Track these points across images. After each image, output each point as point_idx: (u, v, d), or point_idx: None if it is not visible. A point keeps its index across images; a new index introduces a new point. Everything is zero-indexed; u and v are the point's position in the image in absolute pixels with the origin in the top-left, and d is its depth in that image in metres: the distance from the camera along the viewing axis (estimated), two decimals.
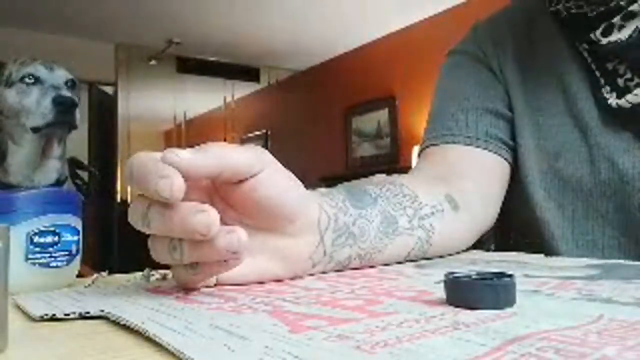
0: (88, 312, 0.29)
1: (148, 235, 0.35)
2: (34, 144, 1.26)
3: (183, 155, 0.31)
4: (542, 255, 0.49)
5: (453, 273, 0.28)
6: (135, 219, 0.34)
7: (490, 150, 0.64)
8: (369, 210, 0.46)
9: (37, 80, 1.26)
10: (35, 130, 1.25)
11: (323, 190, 0.45)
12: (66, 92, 1.26)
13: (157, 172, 0.30)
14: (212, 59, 5.34)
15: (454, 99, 0.69)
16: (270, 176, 0.36)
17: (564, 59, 0.64)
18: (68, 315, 0.29)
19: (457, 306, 0.26)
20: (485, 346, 0.19)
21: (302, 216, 0.39)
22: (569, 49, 0.63)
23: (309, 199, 0.41)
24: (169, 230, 0.32)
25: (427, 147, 0.68)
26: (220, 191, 0.37)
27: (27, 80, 1.25)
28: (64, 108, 1.23)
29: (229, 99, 6.10)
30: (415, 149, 3.87)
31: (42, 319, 0.29)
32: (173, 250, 0.33)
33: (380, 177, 0.54)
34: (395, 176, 0.57)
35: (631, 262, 0.43)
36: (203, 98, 6.08)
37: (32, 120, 1.24)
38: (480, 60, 0.70)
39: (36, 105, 1.24)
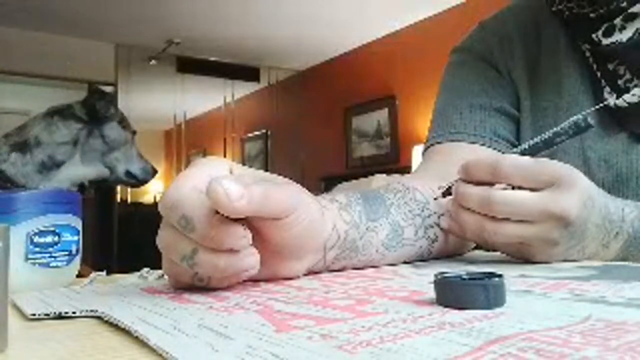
0: (81, 311, 0.29)
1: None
2: (95, 168, 1.48)
3: (232, 196, 0.30)
4: None
5: (443, 273, 0.28)
6: (174, 256, 0.34)
7: (496, 149, 0.64)
8: (381, 221, 0.46)
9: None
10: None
11: (342, 200, 0.45)
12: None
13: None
14: (212, 59, 5.33)
15: (460, 97, 0.69)
16: (300, 219, 0.36)
17: (567, 59, 0.63)
18: (61, 314, 0.29)
19: (446, 306, 0.26)
20: (467, 346, 0.19)
21: (313, 244, 0.39)
22: (572, 49, 0.63)
23: (326, 222, 0.40)
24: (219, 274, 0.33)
25: (433, 145, 0.68)
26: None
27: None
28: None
29: (229, 99, 6.08)
30: (416, 149, 3.86)
31: (37, 318, 0.29)
32: (186, 259, 0.33)
33: (392, 178, 0.54)
34: (407, 178, 0.57)
35: (632, 264, 0.43)
36: (203, 98, 6.07)
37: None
38: (487, 59, 0.70)
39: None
